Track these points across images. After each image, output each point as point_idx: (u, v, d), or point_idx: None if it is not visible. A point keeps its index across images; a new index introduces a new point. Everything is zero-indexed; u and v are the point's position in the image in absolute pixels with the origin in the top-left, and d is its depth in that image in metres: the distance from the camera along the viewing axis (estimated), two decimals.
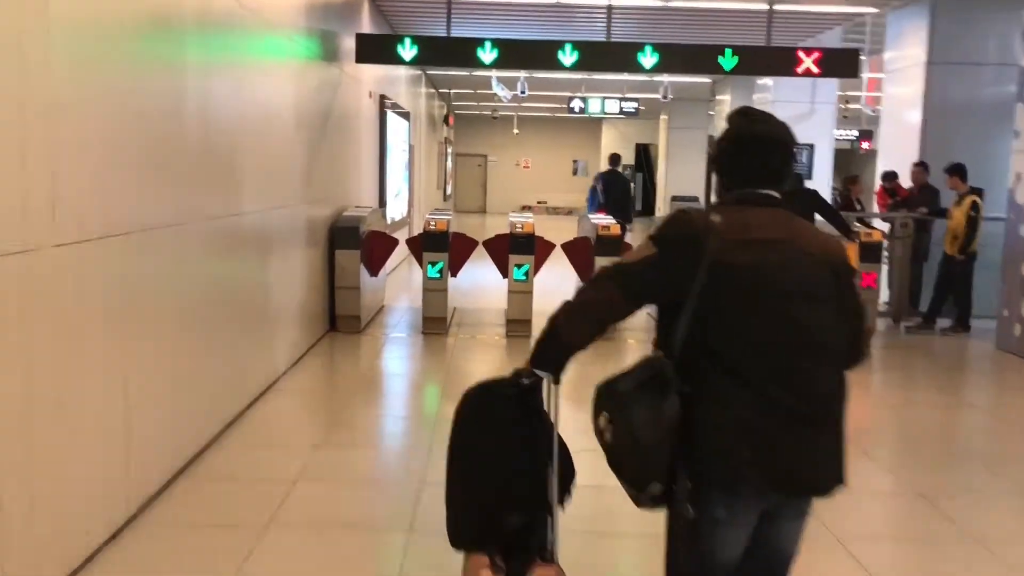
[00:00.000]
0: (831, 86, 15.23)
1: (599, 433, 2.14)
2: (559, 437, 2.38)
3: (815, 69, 8.71)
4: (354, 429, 5.60)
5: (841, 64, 8.81)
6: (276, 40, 6.43)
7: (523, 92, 12.65)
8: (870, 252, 8.34)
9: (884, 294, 9.41)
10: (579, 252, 8.98)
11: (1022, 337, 8.07)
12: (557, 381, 2.33)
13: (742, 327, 2.06)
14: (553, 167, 31.35)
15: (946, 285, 9.24)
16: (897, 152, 10.71)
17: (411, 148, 15.17)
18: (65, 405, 3.28)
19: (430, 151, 19.70)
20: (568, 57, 8.64)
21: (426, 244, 8.30)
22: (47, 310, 3.13)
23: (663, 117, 24.82)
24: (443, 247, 8.28)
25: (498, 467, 2.34)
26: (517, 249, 8.26)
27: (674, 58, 8.70)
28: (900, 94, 10.75)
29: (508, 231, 8.96)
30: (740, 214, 2.14)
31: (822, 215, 8.17)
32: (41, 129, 3.09)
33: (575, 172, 31.69)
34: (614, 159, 13.18)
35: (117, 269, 3.69)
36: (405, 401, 6.66)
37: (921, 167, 9.79)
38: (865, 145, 26.03)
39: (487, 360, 7.64)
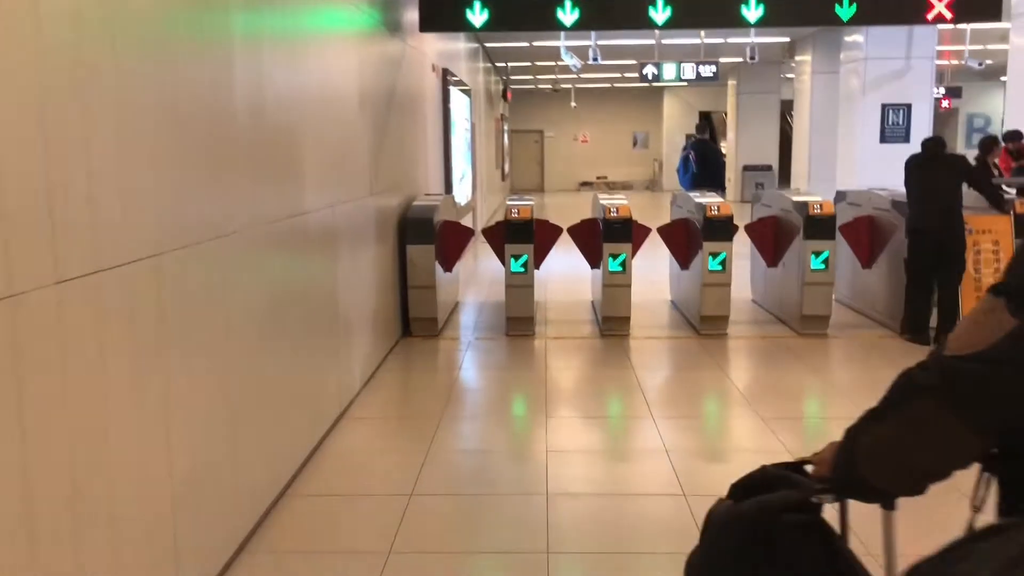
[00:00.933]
0: (929, 39, 13.89)
1: None
2: None
3: (948, 14, 7.50)
4: (450, 468, 4.65)
5: (980, 6, 7.58)
6: (336, 8, 5.49)
7: (595, 59, 11.55)
8: None
9: None
10: (679, 237, 7.95)
11: None
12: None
13: None
14: (611, 141, 30.10)
15: None
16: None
17: (472, 127, 14.20)
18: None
19: (488, 129, 18.71)
20: (660, 14, 7.56)
21: (509, 234, 7.33)
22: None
23: (731, 82, 23.46)
24: (527, 237, 7.31)
25: None
26: (612, 236, 7.25)
27: (782, 9, 7.56)
28: None
29: (593, 215, 7.97)
30: None
31: (971, 184, 7.01)
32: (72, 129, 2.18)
33: (635, 145, 30.41)
34: (703, 126, 12.51)
35: (151, 294, 2.79)
36: (505, 427, 5.70)
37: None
38: (945, 104, 24.46)
39: (588, 368, 6.67)
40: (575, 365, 6.70)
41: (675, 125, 28.50)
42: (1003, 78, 24.33)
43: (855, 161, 14.42)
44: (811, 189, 17.16)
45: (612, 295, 7.33)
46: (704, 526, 1.56)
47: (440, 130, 10.54)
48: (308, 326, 4.59)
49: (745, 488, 1.53)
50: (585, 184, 29.78)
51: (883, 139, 14.61)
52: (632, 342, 7.23)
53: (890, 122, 14.49)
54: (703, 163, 12.16)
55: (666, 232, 8.03)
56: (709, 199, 7.72)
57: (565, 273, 9.83)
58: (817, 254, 7.18)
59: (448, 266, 7.96)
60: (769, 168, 23.37)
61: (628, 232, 7.27)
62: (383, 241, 6.71)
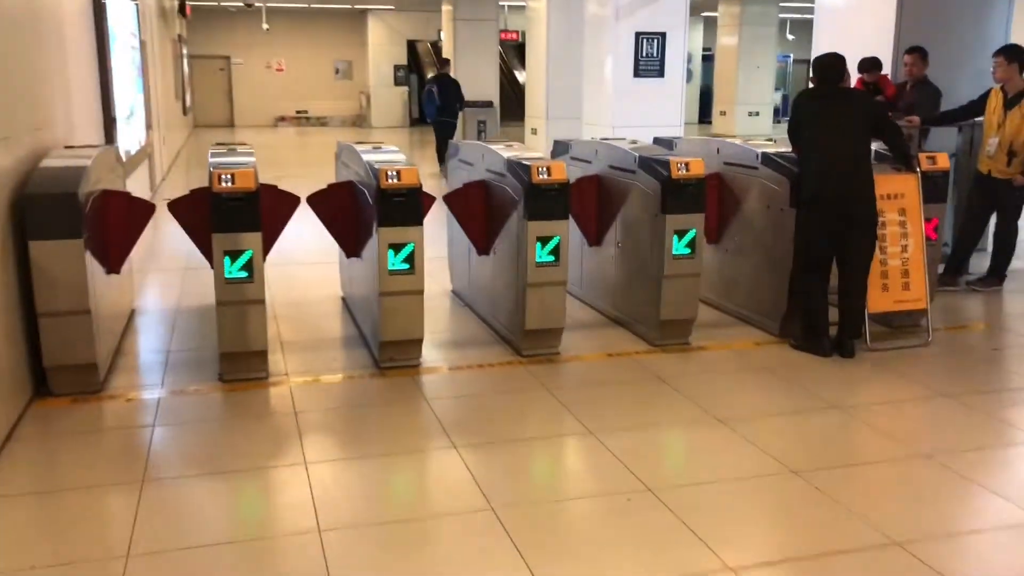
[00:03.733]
0: None
1: None
2: None
3: None
4: None
5: None
6: None
7: None
8: (935, 187, 5.46)
9: None
10: (476, 208, 5.45)
11: None
12: None
13: None
14: (311, 70, 26.57)
15: (978, 221, 6.67)
16: (852, 32, 7.93)
17: (142, 45, 10.56)
18: None
19: (164, 52, 14.82)
20: None
21: (220, 217, 4.38)
22: None
23: (446, 7, 21.03)
24: (252, 221, 4.41)
25: None
26: (391, 216, 4.56)
27: None
28: None
29: (341, 175, 5.24)
30: None
31: (878, 131, 5.13)
32: None
33: (337, 74, 27.15)
34: (445, 62, 14.51)
35: None
36: None
37: (918, 54, 7.05)
38: None
39: (374, 450, 4.01)
40: (350, 445, 4.00)
41: (382, 54, 25.67)
42: (714, 13, 24.39)
43: (607, 98, 12.69)
44: (552, 132, 15.33)
45: (395, 308, 4.68)
46: None
47: (92, 49, 7.10)
48: None
49: None
50: (282, 119, 26.16)
51: (637, 73, 13.02)
52: (427, 379, 4.68)
53: (644, 54, 12.88)
54: (445, 95, 13.79)
55: (459, 201, 5.48)
56: (521, 152, 5.26)
57: (297, 261, 6.98)
58: (680, 234, 5.01)
59: (113, 265, 4.87)
60: (490, 104, 21.42)
61: (417, 209, 4.62)
62: None
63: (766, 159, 5.44)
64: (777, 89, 26.45)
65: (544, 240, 4.81)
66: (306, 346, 5.28)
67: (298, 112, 26.37)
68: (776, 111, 25.54)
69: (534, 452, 3.87)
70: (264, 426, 4.08)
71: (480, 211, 5.49)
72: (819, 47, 8.91)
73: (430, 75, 25.69)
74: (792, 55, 28.98)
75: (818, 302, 5.09)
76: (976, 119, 6.85)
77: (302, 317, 5.90)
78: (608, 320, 5.72)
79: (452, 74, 15.77)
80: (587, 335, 5.42)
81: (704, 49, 28.81)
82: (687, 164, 4.98)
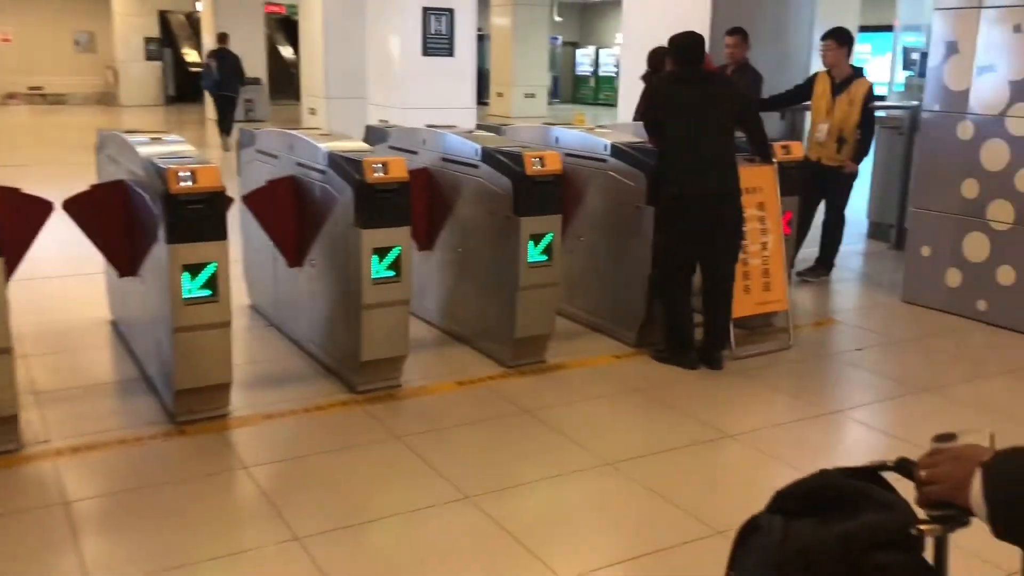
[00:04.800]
0: None
1: None
2: None
3: None
4: None
5: None
6: None
7: None
8: (790, 179, 5.10)
9: None
10: (284, 212, 4.47)
11: (963, 289, 5.56)
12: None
13: None
14: (47, 42, 23.45)
15: (808, 210, 6.48)
16: (666, 10, 7.57)
17: None
18: None
19: None
20: None
21: None
22: None
23: None
24: None
25: None
26: (184, 231, 3.50)
27: None
28: None
29: (118, 176, 4.11)
30: None
31: (743, 123, 4.66)
32: None
33: (77, 46, 24.19)
34: (223, 36, 14.39)
35: None
36: None
37: (740, 36, 6.74)
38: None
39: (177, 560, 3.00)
40: (147, 550, 2.95)
41: (130, 26, 23.08)
42: None
43: (394, 77, 11.82)
44: (333, 113, 14.30)
45: (194, 347, 3.62)
46: (742, 547, 1.24)
47: None
48: None
49: (799, 499, 1.22)
50: (12, 96, 22.93)
51: (426, 52, 12.23)
52: (241, 435, 3.69)
53: (432, 31, 12.11)
54: (224, 70, 14.07)
55: (263, 202, 4.46)
56: (342, 143, 4.32)
57: (47, 260, 5.62)
58: (536, 239, 4.31)
59: None
60: (257, 82, 19.80)
61: (219, 220, 3.57)
62: None
63: (616, 151, 4.86)
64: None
65: (382, 252, 3.94)
66: (72, 396, 4.08)
67: (31, 88, 23.22)
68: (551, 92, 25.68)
69: (402, 535, 3.02)
70: (16, 529, 2.95)
71: (290, 214, 4.52)
72: (629, 27, 8.56)
73: (185, 49, 23.62)
74: (561, 37, 29.30)
75: (682, 311, 4.58)
76: (800, 104, 6.69)
77: (62, 352, 4.66)
78: (448, 337, 4.94)
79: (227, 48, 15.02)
80: (428, 358, 4.60)
81: (477, 29, 28.38)
82: (542, 158, 4.27)
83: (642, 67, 7.12)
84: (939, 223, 5.67)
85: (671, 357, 4.60)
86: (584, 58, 29.86)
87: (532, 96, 24.07)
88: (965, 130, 5.46)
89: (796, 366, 4.76)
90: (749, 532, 1.26)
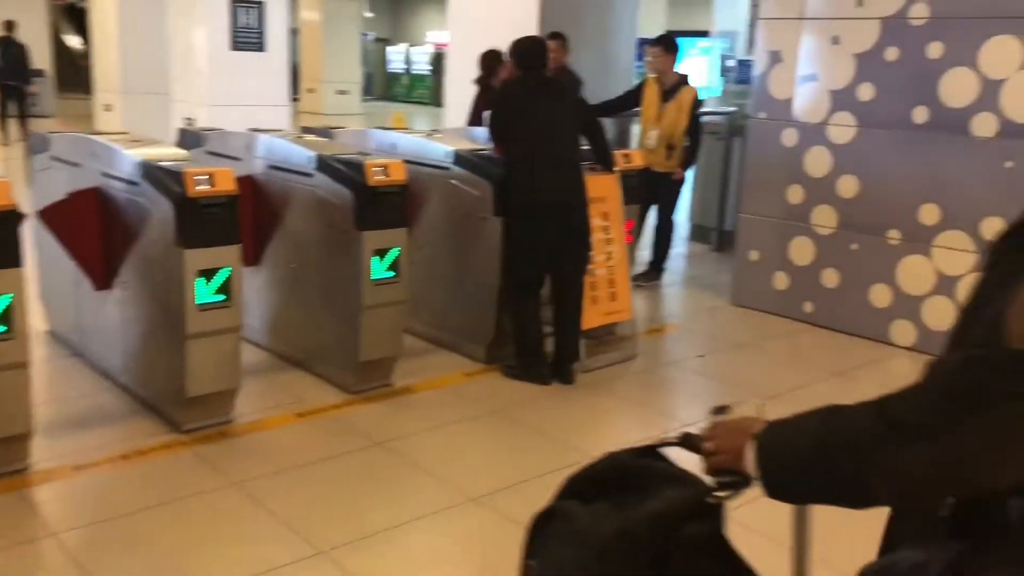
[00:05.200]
0: None
1: None
2: None
3: None
4: None
5: None
6: None
7: None
8: (631, 187, 5.03)
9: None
10: (83, 228, 3.93)
11: (790, 292, 5.73)
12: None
13: None
14: None
15: (639, 216, 6.49)
16: (495, 9, 7.41)
17: None
18: None
19: None
20: None
21: None
22: None
23: None
24: None
25: None
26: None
27: None
28: None
29: None
30: None
31: (586, 131, 4.53)
32: None
33: None
34: (9, 24, 13.76)
35: None
36: None
37: (561, 40, 6.64)
38: None
39: None
40: None
41: None
42: None
43: (199, 72, 11.07)
44: (130, 108, 13.30)
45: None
46: (540, 536, 1.29)
47: None
48: None
49: (591, 483, 1.29)
50: None
51: (235, 46, 11.53)
52: (45, 492, 3.17)
53: (241, 24, 11.43)
54: (8, 58, 13.51)
55: (62, 218, 3.89)
56: (155, 150, 3.83)
57: None
58: (382, 254, 4.00)
59: None
60: (41, 74, 18.07)
61: (12, 245, 3.04)
62: None
63: (460, 159, 4.62)
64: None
65: (208, 274, 3.51)
66: None
67: None
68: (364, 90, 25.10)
69: None
70: None
71: (94, 231, 3.98)
72: (456, 29, 8.34)
73: None
74: (372, 33, 28.74)
75: (534, 324, 4.42)
76: (629, 111, 6.71)
77: None
78: (281, 361, 4.53)
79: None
80: (260, 387, 4.19)
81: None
82: (385, 167, 3.96)
83: (471, 70, 6.92)
84: (766, 228, 5.83)
85: (523, 373, 4.43)
86: (396, 55, 29.44)
87: (345, 93, 23.43)
88: (790, 137, 5.64)
89: (645, 376, 4.72)
90: (546, 520, 1.29)
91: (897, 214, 5.17)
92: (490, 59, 6.43)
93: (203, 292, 3.50)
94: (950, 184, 4.94)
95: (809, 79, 5.51)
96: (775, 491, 1.14)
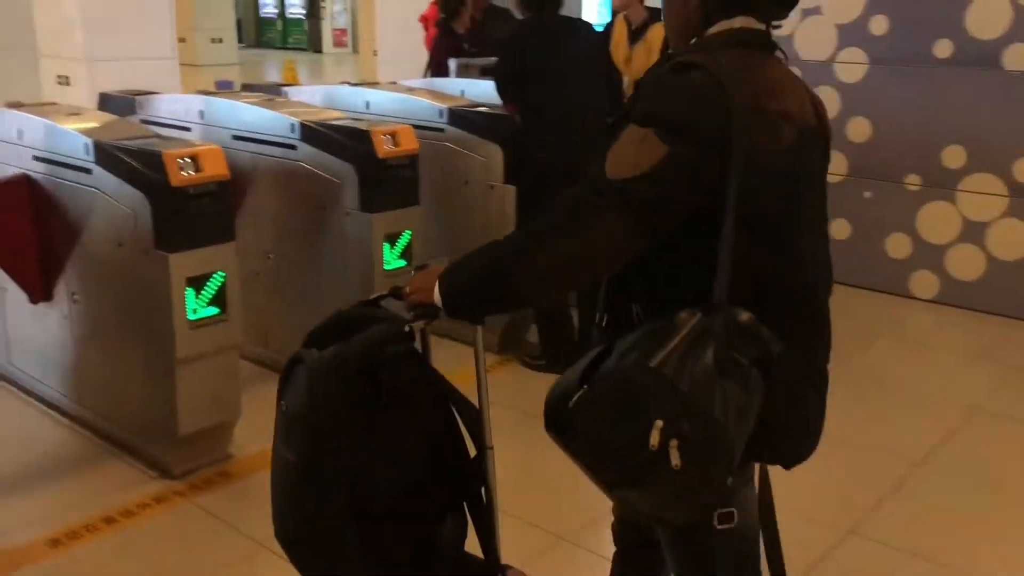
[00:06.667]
0: None
1: (652, 459, 1.26)
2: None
3: None
4: None
5: None
6: None
7: None
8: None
9: None
10: (13, 225, 3.10)
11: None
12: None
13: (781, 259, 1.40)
14: None
15: None
16: None
17: None
18: None
19: None
20: None
21: None
22: None
23: None
24: None
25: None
26: None
27: None
28: None
29: None
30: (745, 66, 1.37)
31: (608, 82, 3.91)
32: None
33: None
34: None
35: None
36: None
37: None
38: None
39: None
40: None
41: None
42: None
43: (69, 22, 9.80)
44: None
45: None
46: (289, 380, 1.49)
47: None
48: None
49: (325, 333, 1.52)
50: None
51: None
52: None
53: None
54: None
55: None
56: (101, 122, 3.02)
57: None
58: (392, 239, 3.33)
59: None
60: None
61: None
62: None
63: (456, 117, 3.95)
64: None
65: (198, 282, 2.77)
66: None
67: None
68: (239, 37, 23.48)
69: None
70: None
71: (26, 230, 3.16)
72: None
73: None
74: None
75: (560, 309, 3.84)
76: None
77: None
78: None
79: None
80: (257, 405, 3.45)
81: None
82: (394, 135, 3.27)
83: (405, 13, 6.13)
84: None
85: (552, 365, 3.83)
86: None
87: (219, 41, 21.85)
88: None
89: None
90: (292, 367, 1.48)
91: (916, 158, 4.80)
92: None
93: (195, 304, 2.77)
94: (978, 123, 4.59)
95: (812, 12, 5.04)
96: (453, 311, 1.44)
